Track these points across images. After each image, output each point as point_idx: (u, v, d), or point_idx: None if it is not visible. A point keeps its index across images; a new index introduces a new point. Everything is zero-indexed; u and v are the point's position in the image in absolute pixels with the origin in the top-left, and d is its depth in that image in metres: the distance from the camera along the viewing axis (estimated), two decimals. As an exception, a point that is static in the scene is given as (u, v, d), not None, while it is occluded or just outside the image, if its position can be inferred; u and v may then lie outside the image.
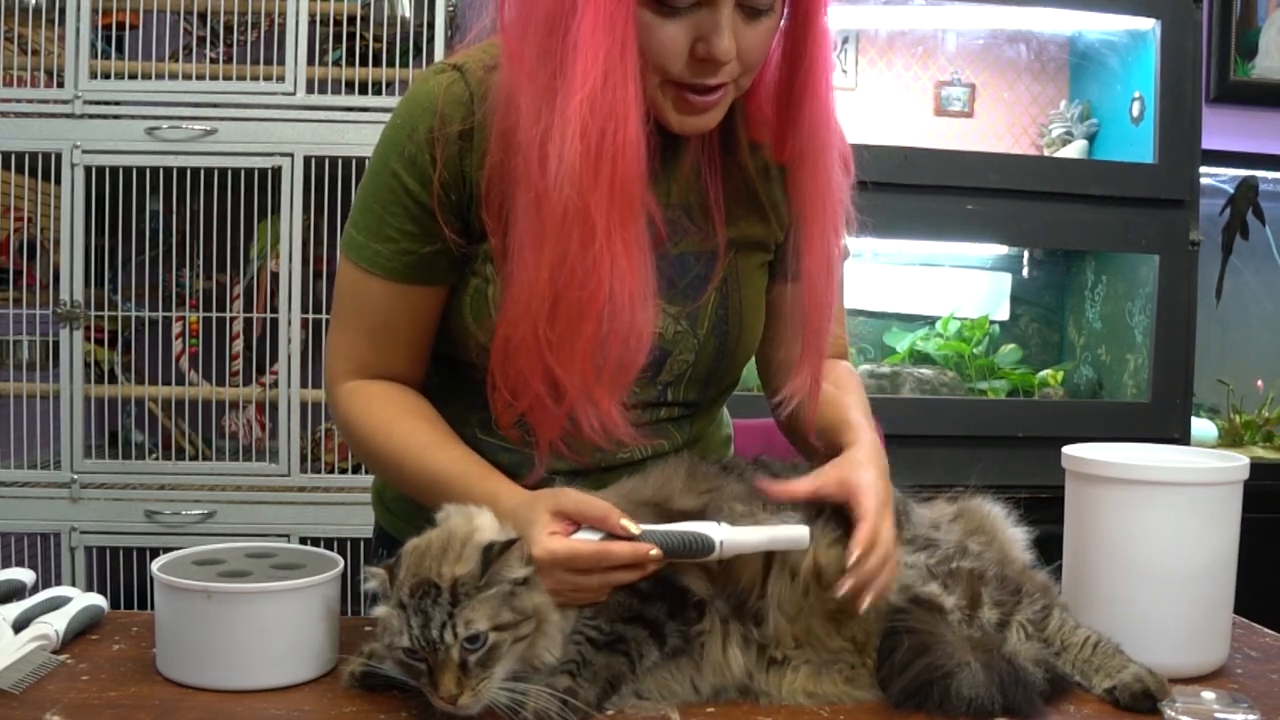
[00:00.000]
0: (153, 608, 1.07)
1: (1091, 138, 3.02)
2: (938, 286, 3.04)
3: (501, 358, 1.07)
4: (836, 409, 1.20)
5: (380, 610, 0.97)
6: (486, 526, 1.00)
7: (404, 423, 1.16)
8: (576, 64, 0.98)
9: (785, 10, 1.08)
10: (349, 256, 1.17)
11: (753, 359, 1.29)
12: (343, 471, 2.53)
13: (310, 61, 2.47)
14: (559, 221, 1.00)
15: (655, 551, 0.97)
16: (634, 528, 0.98)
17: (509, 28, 1.06)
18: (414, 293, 1.16)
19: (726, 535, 0.99)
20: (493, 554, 0.95)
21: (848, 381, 1.26)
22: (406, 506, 1.23)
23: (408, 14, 2.54)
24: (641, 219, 1.04)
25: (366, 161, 1.18)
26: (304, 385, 2.50)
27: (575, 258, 1.01)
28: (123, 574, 2.45)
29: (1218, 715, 0.96)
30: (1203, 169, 2.82)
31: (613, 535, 0.98)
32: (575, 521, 1.00)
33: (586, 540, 0.98)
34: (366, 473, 2.49)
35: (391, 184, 1.14)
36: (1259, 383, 3.25)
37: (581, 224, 1.00)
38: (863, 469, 1.08)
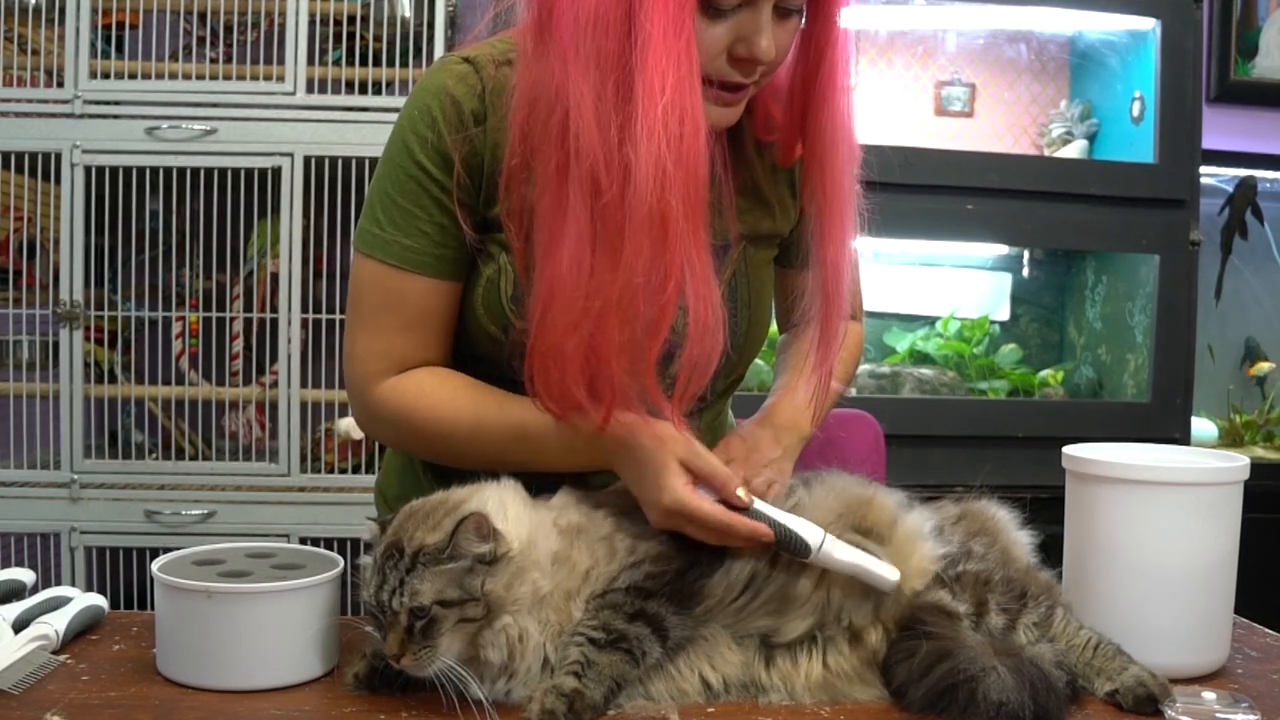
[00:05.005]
0: (153, 608, 1.07)
1: (1092, 138, 3.02)
2: (938, 286, 3.04)
3: (543, 366, 1.06)
4: (782, 371, 1.28)
5: (364, 560, 1.01)
6: (478, 501, 1.00)
7: (469, 391, 1.16)
8: (650, 69, 0.97)
9: (804, 10, 1.08)
10: (372, 254, 1.15)
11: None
12: (343, 471, 2.53)
13: (310, 61, 2.46)
14: (638, 229, 0.99)
15: (769, 532, 1.01)
16: (748, 498, 1.03)
17: (558, 26, 1.02)
18: (448, 284, 1.16)
19: (827, 544, 1.01)
20: (460, 528, 0.96)
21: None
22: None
23: (408, 14, 2.54)
24: (708, 222, 1.03)
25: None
26: (304, 385, 2.49)
27: (651, 263, 1.00)
28: (123, 574, 2.45)
29: (1218, 715, 0.96)
30: (1203, 169, 2.82)
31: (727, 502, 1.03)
32: (696, 477, 1.03)
33: (714, 504, 1.02)
34: (366, 472, 2.50)
35: (417, 175, 1.13)
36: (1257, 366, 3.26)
37: (663, 230, 0.99)
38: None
